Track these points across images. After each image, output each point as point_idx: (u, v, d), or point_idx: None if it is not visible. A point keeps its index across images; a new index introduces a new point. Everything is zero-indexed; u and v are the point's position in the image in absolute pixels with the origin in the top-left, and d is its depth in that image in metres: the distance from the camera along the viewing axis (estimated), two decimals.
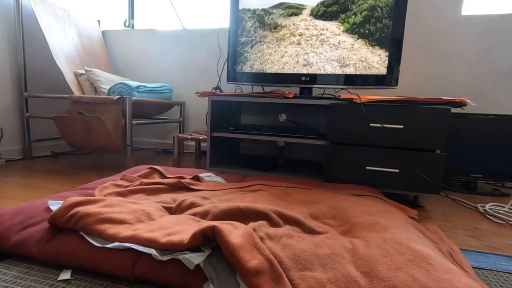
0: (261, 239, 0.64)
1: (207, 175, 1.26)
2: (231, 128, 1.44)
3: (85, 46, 2.02)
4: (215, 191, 1.04)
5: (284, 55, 1.42)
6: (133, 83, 1.71)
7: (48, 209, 0.79)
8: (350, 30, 1.32)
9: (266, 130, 1.40)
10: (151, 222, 0.72)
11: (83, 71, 1.87)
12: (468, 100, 1.09)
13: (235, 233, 0.60)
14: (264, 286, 0.51)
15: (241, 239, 0.58)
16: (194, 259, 0.57)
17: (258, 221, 0.74)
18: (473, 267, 0.72)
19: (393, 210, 0.90)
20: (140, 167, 1.31)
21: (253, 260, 0.54)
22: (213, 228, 0.59)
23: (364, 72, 1.33)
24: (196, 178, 1.19)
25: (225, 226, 0.60)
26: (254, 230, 0.68)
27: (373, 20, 1.29)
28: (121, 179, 1.12)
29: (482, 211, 1.17)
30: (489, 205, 1.23)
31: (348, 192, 1.10)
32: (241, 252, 0.55)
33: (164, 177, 1.20)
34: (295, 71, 1.42)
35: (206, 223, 0.63)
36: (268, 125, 1.42)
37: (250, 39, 1.46)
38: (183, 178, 1.16)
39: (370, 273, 0.56)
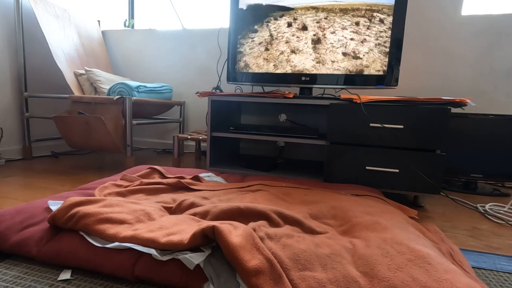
0: (261, 239, 0.64)
1: (207, 175, 1.26)
2: (231, 128, 1.44)
3: (85, 46, 2.02)
4: (215, 191, 1.04)
5: (284, 54, 1.42)
6: (133, 83, 1.71)
7: (48, 209, 0.79)
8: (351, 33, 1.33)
9: (266, 130, 1.40)
10: (151, 222, 0.72)
11: (83, 71, 1.87)
12: (468, 100, 1.09)
13: (235, 233, 0.60)
14: (264, 286, 0.51)
15: (241, 239, 0.58)
16: (194, 259, 0.57)
17: (258, 221, 0.74)
18: (473, 267, 0.72)
19: (393, 210, 0.90)
20: (140, 167, 1.31)
21: (253, 260, 0.54)
22: (213, 228, 0.59)
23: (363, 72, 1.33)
24: (196, 178, 1.18)
25: (225, 226, 0.60)
26: (254, 230, 0.68)
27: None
28: (121, 179, 1.12)
29: (482, 211, 1.17)
30: (489, 205, 1.23)
31: (348, 192, 1.10)
32: (241, 252, 0.55)
33: (164, 177, 1.20)
34: (295, 71, 1.42)
35: (206, 223, 0.63)
36: (268, 125, 1.42)
37: (250, 38, 1.46)
38: (183, 178, 1.16)
39: (370, 273, 0.56)
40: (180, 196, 0.96)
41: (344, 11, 1.33)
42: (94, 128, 1.48)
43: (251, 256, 0.55)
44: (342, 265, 0.58)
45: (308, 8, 1.37)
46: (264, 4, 1.43)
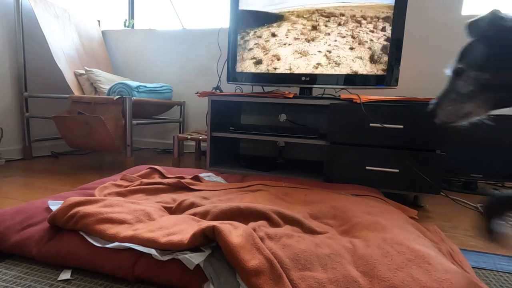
0: (261, 239, 0.64)
1: (207, 175, 1.26)
2: (231, 128, 1.44)
3: (85, 46, 2.02)
4: (215, 191, 1.04)
5: (284, 54, 1.42)
6: (133, 83, 1.71)
7: (48, 209, 0.79)
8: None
9: (266, 130, 1.40)
10: (151, 222, 0.72)
11: (83, 71, 1.87)
12: None
13: (235, 233, 0.60)
14: (264, 286, 0.51)
15: (241, 239, 0.58)
16: (194, 259, 0.57)
17: (258, 221, 0.74)
18: (473, 267, 0.72)
19: (393, 210, 0.90)
20: (140, 167, 1.31)
21: (253, 260, 0.54)
22: (213, 228, 0.59)
23: (364, 72, 1.33)
24: (196, 178, 1.18)
25: (225, 226, 0.60)
26: (254, 230, 0.68)
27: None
28: (121, 179, 1.12)
29: (482, 211, 1.17)
30: None
31: (348, 192, 1.10)
32: (241, 252, 0.55)
33: (164, 177, 1.20)
34: (295, 71, 1.42)
35: (206, 223, 0.63)
36: (268, 125, 1.42)
37: (249, 39, 1.46)
38: (183, 178, 1.16)
39: (370, 273, 0.56)
40: (180, 196, 0.96)
41: (339, 14, 1.33)
42: (94, 128, 1.48)
43: (251, 256, 0.55)
44: (342, 265, 0.58)
45: (307, 12, 1.37)
46: (262, 11, 1.43)
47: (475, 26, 0.55)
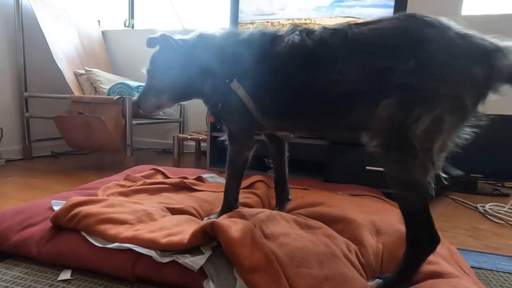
0: None
1: (210, 176, 1.25)
2: None
3: (85, 46, 2.02)
4: (217, 192, 1.04)
5: None
6: (133, 83, 1.71)
7: (48, 209, 0.79)
8: None
9: None
10: (153, 223, 0.71)
11: (83, 71, 1.87)
12: None
13: (234, 228, 0.60)
14: (261, 284, 0.51)
15: (241, 233, 0.58)
16: (195, 263, 0.56)
17: (257, 215, 0.74)
18: (473, 267, 0.72)
19: (390, 209, 0.90)
20: (142, 167, 1.31)
21: (251, 257, 0.54)
22: (212, 224, 0.59)
23: None
24: (199, 179, 1.18)
25: (224, 222, 0.60)
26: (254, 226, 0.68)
27: None
28: (124, 179, 1.11)
29: (482, 211, 1.17)
30: (489, 205, 1.22)
31: (346, 192, 1.10)
32: (240, 248, 0.55)
33: (167, 178, 1.20)
34: None
35: (205, 221, 0.63)
36: None
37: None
38: (186, 178, 1.16)
39: (368, 269, 0.56)
40: (183, 196, 0.96)
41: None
42: (94, 128, 1.48)
43: (250, 252, 0.55)
44: (338, 264, 0.58)
45: (305, 23, 1.37)
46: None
47: (151, 41, 0.75)
